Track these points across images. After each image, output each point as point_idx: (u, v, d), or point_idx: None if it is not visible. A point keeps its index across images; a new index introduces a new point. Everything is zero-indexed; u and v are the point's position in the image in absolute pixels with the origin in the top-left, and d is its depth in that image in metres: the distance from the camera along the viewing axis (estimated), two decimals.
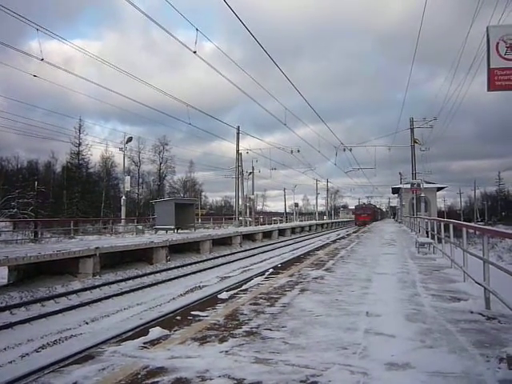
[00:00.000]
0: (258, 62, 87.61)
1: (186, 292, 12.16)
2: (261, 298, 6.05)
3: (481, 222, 75.71)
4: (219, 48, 32.29)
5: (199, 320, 4.85)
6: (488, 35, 6.99)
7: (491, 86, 6.95)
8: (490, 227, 7.07)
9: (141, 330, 4.85)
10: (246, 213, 44.56)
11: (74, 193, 50.82)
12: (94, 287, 12.42)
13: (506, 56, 6.88)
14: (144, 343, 3.97)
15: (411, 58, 53.44)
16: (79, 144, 52.68)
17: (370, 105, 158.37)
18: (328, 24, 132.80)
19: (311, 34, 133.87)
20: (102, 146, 69.06)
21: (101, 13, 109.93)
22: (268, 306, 5.52)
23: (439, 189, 53.07)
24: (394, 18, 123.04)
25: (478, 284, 5.85)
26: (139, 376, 3.17)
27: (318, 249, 15.32)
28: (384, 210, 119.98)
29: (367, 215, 66.61)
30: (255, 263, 18.54)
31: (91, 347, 6.21)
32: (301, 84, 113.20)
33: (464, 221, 42.82)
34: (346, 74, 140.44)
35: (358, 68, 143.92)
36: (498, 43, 6.92)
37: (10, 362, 6.69)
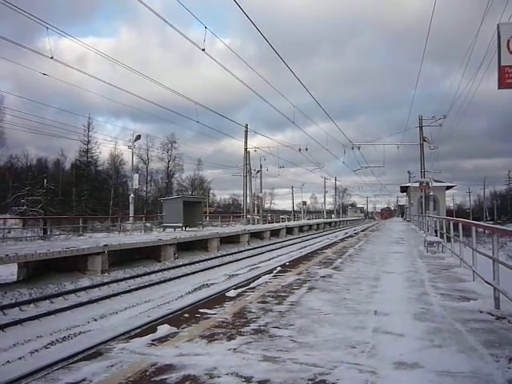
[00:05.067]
0: (272, 58, 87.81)
1: (194, 290, 12.17)
2: (269, 296, 6.05)
3: (490, 221, 75.09)
4: (229, 47, 32.63)
5: (207, 318, 4.86)
6: (499, 32, 6.91)
7: (502, 84, 6.88)
8: (499, 226, 6.99)
9: (149, 328, 4.85)
10: (253, 211, 44.60)
11: (82, 190, 51.19)
12: (103, 284, 12.50)
13: None
14: (152, 340, 3.98)
15: (425, 56, 53.06)
16: (88, 142, 53.13)
17: (381, 102, 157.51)
18: (343, 19, 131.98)
19: (327, 30, 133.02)
20: (111, 143, 69.59)
21: (115, 9, 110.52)
22: (276, 304, 5.52)
23: (448, 187, 52.65)
24: (409, 14, 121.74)
25: (488, 283, 5.80)
26: (147, 373, 3.19)
27: (325, 247, 15.25)
28: (392, 208, 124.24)
29: (388, 214, 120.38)
30: (263, 261, 18.50)
31: (100, 344, 6.26)
32: (317, 80, 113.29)
33: (473, 220, 42.47)
34: (359, 70, 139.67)
35: (371, 65, 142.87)
36: (508, 40, 6.84)
37: (20, 358, 6.74)
